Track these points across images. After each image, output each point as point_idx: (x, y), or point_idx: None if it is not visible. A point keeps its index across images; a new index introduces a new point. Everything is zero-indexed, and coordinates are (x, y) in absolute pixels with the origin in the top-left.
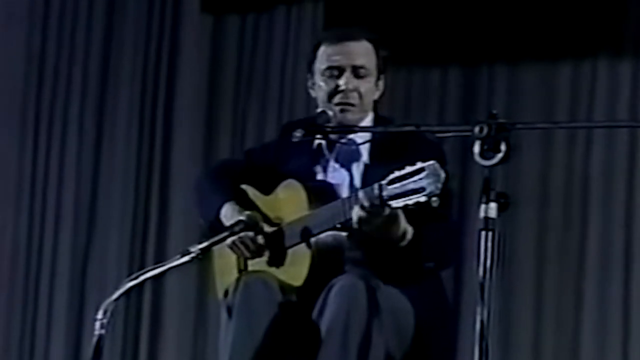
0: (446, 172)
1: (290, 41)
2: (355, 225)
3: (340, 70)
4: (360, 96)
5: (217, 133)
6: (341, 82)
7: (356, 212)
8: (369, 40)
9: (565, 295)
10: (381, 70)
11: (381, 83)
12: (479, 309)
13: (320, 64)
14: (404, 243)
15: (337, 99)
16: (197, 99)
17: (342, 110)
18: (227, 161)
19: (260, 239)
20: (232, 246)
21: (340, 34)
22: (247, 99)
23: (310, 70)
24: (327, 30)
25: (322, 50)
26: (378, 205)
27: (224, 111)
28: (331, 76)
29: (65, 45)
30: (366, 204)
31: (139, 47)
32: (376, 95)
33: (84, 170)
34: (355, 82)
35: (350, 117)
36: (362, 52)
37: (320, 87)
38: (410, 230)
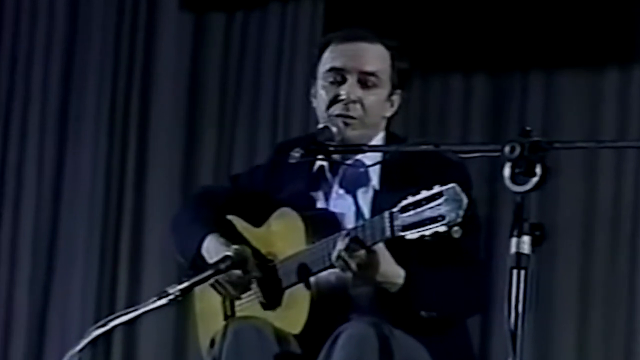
0: (469, 196)
1: (286, 44)
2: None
3: (344, 76)
4: (364, 109)
5: (198, 153)
6: (343, 90)
7: (335, 255)
8: (387, 46)
9: (613, 343)
10: (396, 85)
11: (396, 99)
12: None
13: (323, 66)
14: (394, 289)
15: (335, 109)
16: (176, 112)
17: (342, 123)
18: (210, 188)
19: (249, 277)
20: (216, 285)
21: (351, 33)
22: (235, 113)
23: (314, 75)
24: (328, 31)
25: (329, 50)
26: (359, 247)
27: (207, 127)
28: (333, 82)
29: (22, 49)
30: (340, 246)
31: (108, 51)
32: (388, 113)
33: (43, 196)
34: (359, 92)
35: (350, 132)
36: (374, 57)
37: (320, 96)
38: (401, 274)
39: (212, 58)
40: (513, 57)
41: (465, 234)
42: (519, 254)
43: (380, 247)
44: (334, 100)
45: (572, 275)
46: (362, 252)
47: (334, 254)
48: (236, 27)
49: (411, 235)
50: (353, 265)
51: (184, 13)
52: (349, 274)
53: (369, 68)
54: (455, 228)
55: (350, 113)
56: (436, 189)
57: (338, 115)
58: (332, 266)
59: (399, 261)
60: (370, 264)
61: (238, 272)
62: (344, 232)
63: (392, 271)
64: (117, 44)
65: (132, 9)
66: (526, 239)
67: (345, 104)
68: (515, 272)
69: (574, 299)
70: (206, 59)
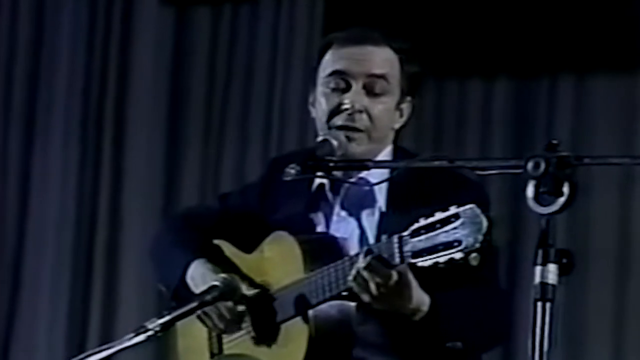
0: (489, 219)
1: (280, 45)
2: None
3: (348, 82)
4: (372, 120)
5: (181, 168)
6: (346, 98)
7: (353, 274)
8: (395, 49)
9: None
10: (405, 91)
11: (405, 107)
12: None
13: (323, 70)
14: (418, 317)
15: (338, 120)
16: (155, 120)
17: (345, 137)
18: (195, 209)
19: (242, 309)
20: (204, 317)
21: (355, 35)
22: (222, 123)
23: (313, 80)
24: (328, 29)
25: (330, 53)
26: (383, 266)
27: (191, 138)
28: (335, 89)
29: None
30: (361, 264)
31: (79, 50)
32: (397, 124)
33: (6, 215)
34: (365, 101)
35: (356, 148)
36: (382, 60)
37: (320, 104)
38: (426, 301)
39: (197, 59)
40: (539, 59)
41: (482, 259)
42: (544, 285)
43: (407, 269)
44: (337, 110)
45: (605, 307)
46: (388, 272)
47: (353, 272)
48: (224, 24)
49: (423, 262)
50: (373, 286)
51: (164, 7)
52: (366, 298)
53: (377, 70)
54: (474, 255)
55: (356, 124)
56: (452, 210)
57: (341, 127)
58: (333, 298)
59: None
60: (396, 287)
61: (229, 303)
62: (364, 249)
63: (417, 297)
64: (89, 41)
65: (106, 1)
66: (552, 267)
67: (350, 114)
68: (540, 304)
69: (607, 334)
70: (189, 60)
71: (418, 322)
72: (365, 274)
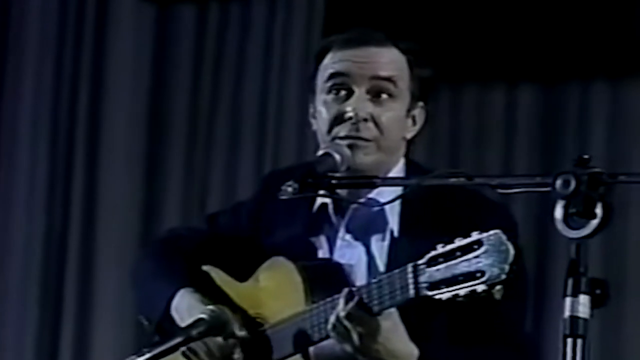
0: (516, 247)
1: (275, 47)
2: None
3: (350, 87)
4: (380, 129)
5: (162, 185)
6: (349, 106)
7: (333, 322)
8: (402, 50)
9: None
10: (416, 96)
11: (418, 114)
12: None
13: (321, 76)
14: None
15: (341, 130)
16: (134, 130)
17: (350, 148)
18: (179, 231)
19: (232, 345)
20: (189, 353)
21: (357, 35)
22: (209, 133)
23: (312, 89)
24: (328, 30)
25: (328, 57)
26: (366, 314)
27: (174, 151)
28: (336, 96)
29: None
30: (341, 311)
31: (48, 51)
32: (409, 133)
33: None
34: (370, 107)
35: (363, 158)
36: (387, 61)
37: (320, 114)
38: (415, 353)
39: (180, 63)
40: (569, 63)
41: (508, 297)
42: (574, 319)
43: (394, 316)
44: (339, 119)
45: None
46: (373, 321)
47: (332, 319)
48: (211, 24)
49: (441, 295)
50: (355, 337)
51: (143, 3)
52: (348, 348)
53: (382, 73)
54: (498, 287)
55: (362, 134)
56: (474, 236)
57: (344, 138)
58: None
59: (415, 333)
60: (376, 336)
61: (219, 339)
62: (345, 291)
63: (402, 349)
64: (59, 42)
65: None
66: (584, 299)
67: (354, 124)
68: (570, 341)
69: None
70: (172, 64)
71: None
72: (346, 322)
